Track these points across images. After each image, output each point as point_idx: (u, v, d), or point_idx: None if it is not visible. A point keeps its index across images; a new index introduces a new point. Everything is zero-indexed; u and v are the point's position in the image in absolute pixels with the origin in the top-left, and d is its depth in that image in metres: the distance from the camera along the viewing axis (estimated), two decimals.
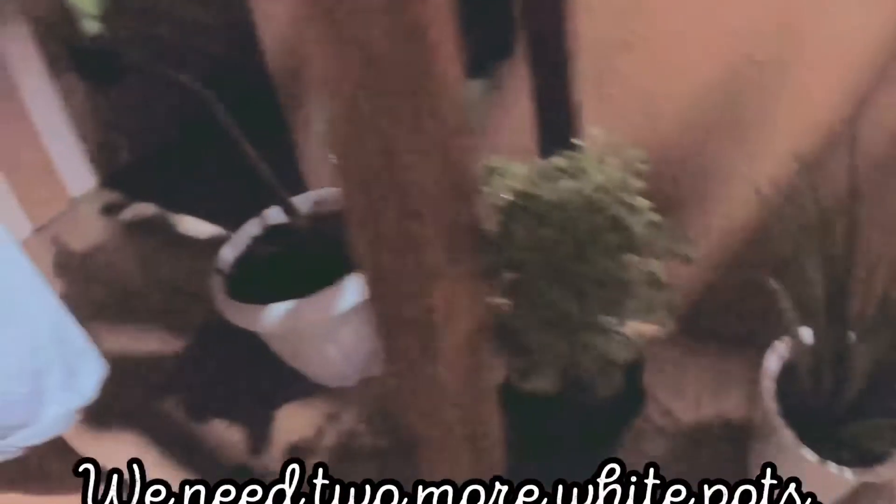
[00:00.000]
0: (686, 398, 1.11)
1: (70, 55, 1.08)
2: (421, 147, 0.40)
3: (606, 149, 0.80)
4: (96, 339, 1.39)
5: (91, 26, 1.06)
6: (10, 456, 0.75)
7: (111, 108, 2.32)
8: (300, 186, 1.25)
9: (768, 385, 0.91)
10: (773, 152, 0.96)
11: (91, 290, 1.63)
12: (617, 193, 0.75)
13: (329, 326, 0.96)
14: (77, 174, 2.25)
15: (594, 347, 0.75)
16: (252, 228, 1.12)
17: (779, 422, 0.88)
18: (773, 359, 0.94)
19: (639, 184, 0.78)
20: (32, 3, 2.19)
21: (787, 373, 0.93)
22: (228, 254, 1.08)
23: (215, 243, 1.62)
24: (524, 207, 0.75)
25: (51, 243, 1.96)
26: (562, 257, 0.73)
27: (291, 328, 0.94)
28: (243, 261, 1.08)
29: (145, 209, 1.96)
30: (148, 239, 1.79)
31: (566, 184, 0.75)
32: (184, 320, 1.40)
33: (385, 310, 0.48)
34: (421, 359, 0.48)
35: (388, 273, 0.46)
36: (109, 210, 2.03)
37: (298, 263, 1.03)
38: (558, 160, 0.78)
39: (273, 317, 0.93)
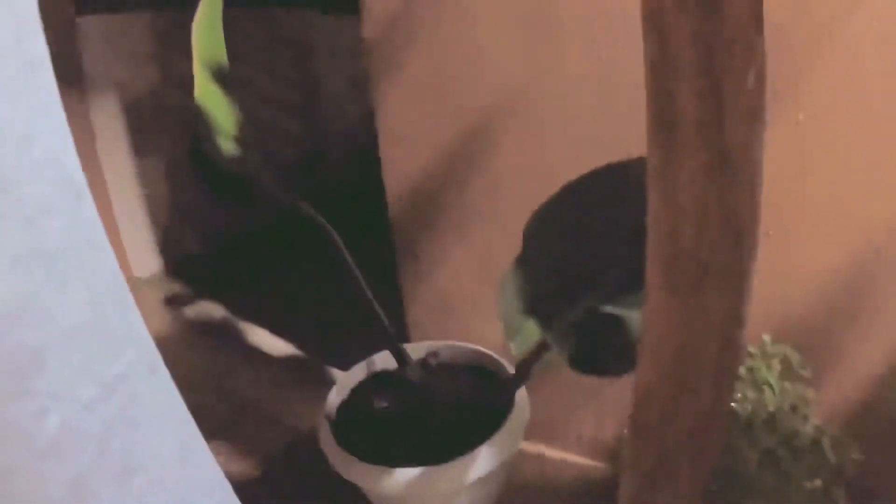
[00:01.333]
0: None
1: (204, 172, 1.09)
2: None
3: (773, 352, 0.80)
4: None
5: (227, 146, 1.07)
6: None
7: (186, 200, 2.36)
8: (401, 338, 1.24)
9: None
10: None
11: None
12: (795, 409, 0.74)
13: (451, 497, 0.92)
14: (143, 255, 2.26)
15: None
16: (358, 373, 1.10)
17: None
18: None
19: (809, 393, 0.78)
20: (174, 120, 2.28)
21: None
22: (334, 398, 1.06)
23: (291, 364, 1.61)
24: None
25: None
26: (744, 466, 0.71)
27: (411, 495, 0.90)
28: (350, 407, 1.05)
29: (212, 309, 1.94)
30: (213, 342, 1.75)
31: (749, 395, 0.75)
32: (253, 442, 1.35)
33: None
34: None
35: None
36: (173, 301, 2.02)
37: (410, 419, 1.00)
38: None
39: (392, 480, 0.89)
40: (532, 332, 0.76)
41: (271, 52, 2.54)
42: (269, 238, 2.22)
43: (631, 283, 0.74)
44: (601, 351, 0.73)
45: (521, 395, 1.00)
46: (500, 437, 0.93)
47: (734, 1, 0.40)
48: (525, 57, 1.06)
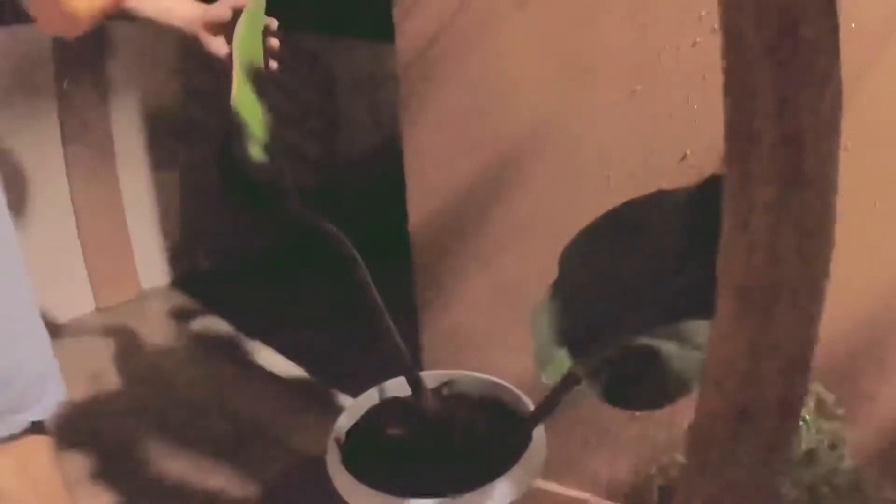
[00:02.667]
0: None
1: (230, 176, 1.06)
2: None
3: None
4: (155, 457, 1.30)
5: (256, 152, 1.05)
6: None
7: (199, 214, 2.35)
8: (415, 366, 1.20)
9: None
10: None
11: (152, 399, 1.55)
12: (834, 447, 0.72)
13: None
14: (152, 267, 2.24)
15: None
16: (370, 398, 1.07)
17: None
18: None
19: (844, 432, 0.75)
20: (194, 135, 2.28)
21: None
22: (344, 422, 1.02)
23: (296, 386, 1.58)
24: None
25: (114, 330, 1.91)
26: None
27: None
28: (360, 432, 1.02)
29: (218, 325, 1.91)
30: (217, 358, 1.72)
31: None
32: (256, 464, 1.31)
33: None
34: None
35: None
36: (179, 314, 1.99)
37: (423, 448, 0.97)
38: None
39: None
40: (563, 363, 0.73)
41: (295, 77, 2.55)
42: (280, 257, 2.21)
43: (666, 314, 0.71)
44: (635, 384, 0.70)
45: (539, 430, 0.97)
46: (516, 472, 0.89)
47: (811, 21, 0.39)
48: (556, 91, 1.05)
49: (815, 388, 0.83)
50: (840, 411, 0.82)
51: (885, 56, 0.87)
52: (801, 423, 0.81)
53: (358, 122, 2.72)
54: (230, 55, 0.90)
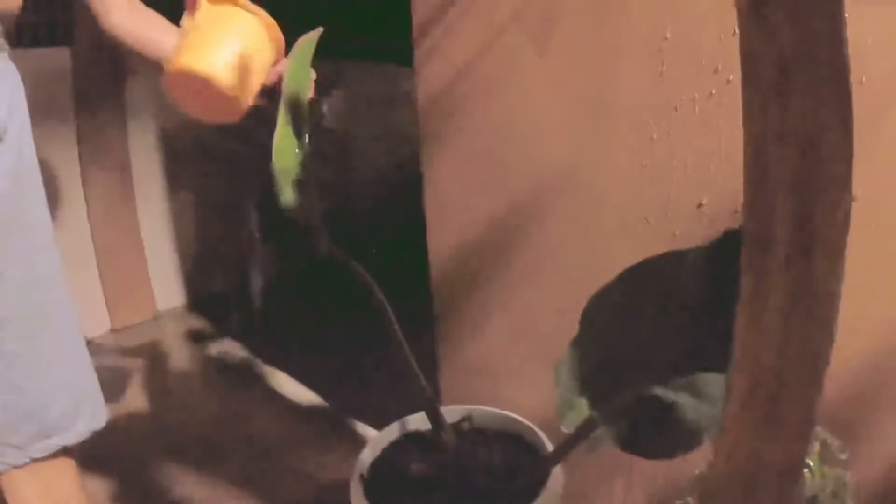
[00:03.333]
0: None
1: (272, 221, 1.09)
2: None
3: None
4: (171, 482, 1.31)
5: (288, 194, 1.06)
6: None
7: (215, 237, 2.38)
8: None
9: None
10: None
11: (166, 422, 1.58)
12: (836, 495, 0.74)
13: None
14: (168, 289, 2.27)
15: None
16: (392, 433, 1.10)
17: None
18: None
19: (847, 478, 0.77)
20: (210, 159, 2.32)
21: None
22: (367, 455, 1.05)
23: (313, 414, 1.60)
24: None
25: (129, 351, 1.94)
26: None
27: None
28: (382, 467, 1.04)
29: (233, 348, 1.93)
30: (234, 383, 1.75)
31: None
32: (272, 492, 1.33)
33: None
34: None
35: None
36: (195, 337, 2.02)
37: (444, 483, 0.99)
38: None
39: None
40: (583, 411, 0.77)
41: (314, 103, 2.57)
42: (298, 281, 2.23)
43: (681, 367, 0.74)
44: (650, 433, 0.73)
45: (556, 468, 1.00)
46: None
47: (830, 140, 0.42)
48: (574, 136, 1.08)
49: (820, 432, 0.86)
50: (844, 456, 0.84)
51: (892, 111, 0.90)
52: (805, 469, 0.83)
53: (370, 145, 2.75)
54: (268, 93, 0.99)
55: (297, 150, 0.99)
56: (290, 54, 0.96)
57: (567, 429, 0.77)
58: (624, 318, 0.75)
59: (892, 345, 0.97)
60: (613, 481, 1.21)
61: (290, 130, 0.96)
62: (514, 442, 1.08)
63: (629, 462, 1.19)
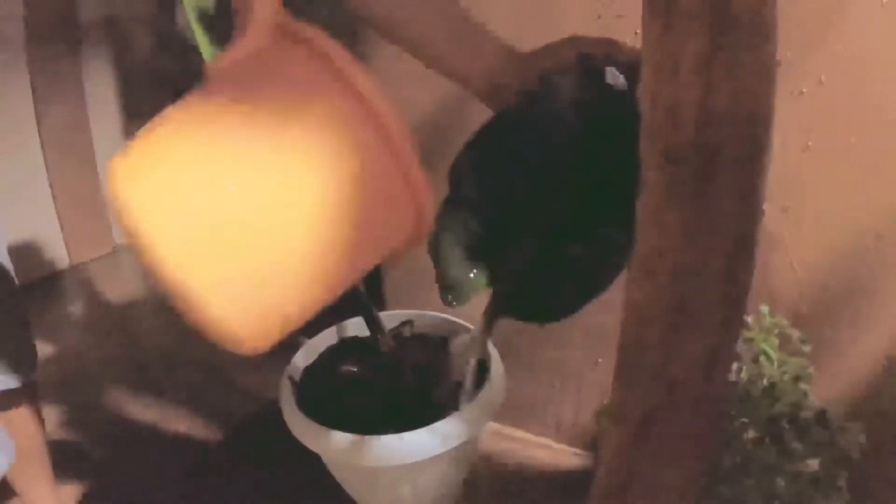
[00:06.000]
0: None
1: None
2: None
3: (771, 324, 0.76)
4: (123, 404, 1.30)
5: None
6: None
7: None
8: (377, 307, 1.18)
9: None
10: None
11: (121, 350, 1.54)
12: (798, 380, 0.70)
13: (415, 469, 0.87)
14: None
15: None
16: (328, 338, 1.05)
17: None
18: None
19: (810, 370, 0.73)
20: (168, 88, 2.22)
21: None
22: (300, 361, 1.00)
23: None
24: None
25: (87, 285, 1.89)
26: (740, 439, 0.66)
27: (370, 465, 0.85)
28: (315, 371, 1.00)
29: None
30: None
31: (749, 369, 0.70)
32: (218, 409, 1.30)
33: None
34: None
35: None
36: None
37: (378, 388, 0.95)
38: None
39: (350, 447, 0.84)
40: (477, 284, 0.69)
41: None
42: None
43: (577, 220, 0.65)
44: (546, 294, 0.66)
45: (497, 369, 0.95)
46: (469, 410, 0.88)
47: None
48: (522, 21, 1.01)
49: (781, 322, 0.81)
50: (807, 348, 0.79)
51: None
52: (763, 357, 0.78)
53: None
54: None
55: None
56: None
57: (458, 306, 0.70)
58: (504, 166, 0.64)
59: (854, 244, 0.93)
60: (563, 395, 1.17)
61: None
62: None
63: (580, 375, 1.15)
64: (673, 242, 0.36)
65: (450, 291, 0.69)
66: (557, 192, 0.63)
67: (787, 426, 0.72)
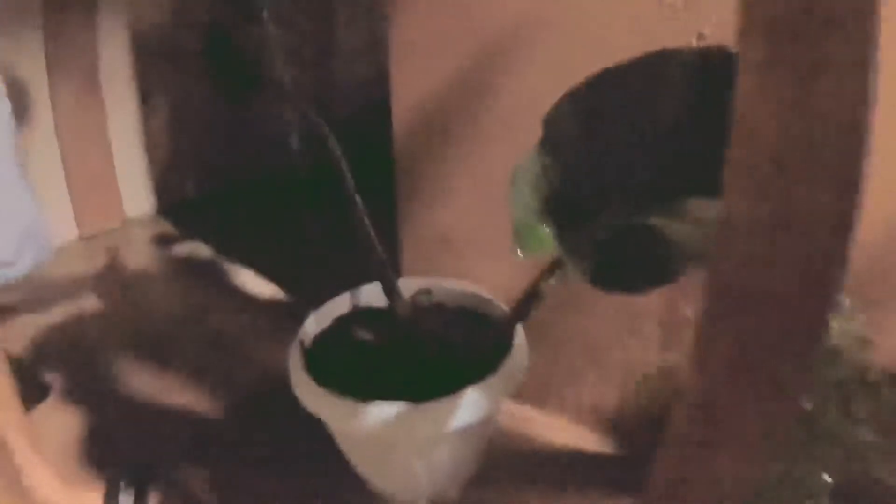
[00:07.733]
0: None
1: (223, 64, 0.99)
2: None
3: None
4: (126, 375, 1.27)
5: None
6: None
7: (189, 141, 2.27)
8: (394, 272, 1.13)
9: None
10: None
11: (128, 321, 1.50)
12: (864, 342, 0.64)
13: (428, 444, 0.82)
14: (137, 195, 2.17)
15: None
16: (342, 304, 1.00)
17: None
18: None
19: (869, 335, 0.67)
20: (184, 63, 2.20)
21: None
22: (311, 327, 0.95)
23: (274, 307, 1.52)
24: None
25: (96, 257, 1.85)
26: None
27: (382, 437, 0.79)
28: (327, 338, 0.95)
29: (200, 250, 1.85)
30: (199, 281, 1.66)
31: None
32: (225, 380, 1.25)
33: None
34: None
35: None
36: (162, 241, 1.93)
37: (393, 357, 0.90)
38: None
39: (361, 416, 0.79)
40: (546, 239, 0.65)
41: (291, 4, 2.44)
42: (270, 185, 2.14)
43: (663, 190, 0.63)
44: (629, 265, 0.61)
45: (521, 340, 0.90)
46: (491, 382, 0.83)
47: None
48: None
49: None
50: (862, 317, 0.73)
51: None
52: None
53: (352, 52, 2.62)
54: None
55: None
56: None
57: (526, 257, 0.65)
58: (598, 126, 0.63)
59: None
60: (585, 375, 1.12)
61: None
62: (478, 317, 0.99)
63: (603, 352, 1.09)
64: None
65: (519, 239, 0.65)
66: (654, 158, 0.59)
67: (856, 387, 0.66)
